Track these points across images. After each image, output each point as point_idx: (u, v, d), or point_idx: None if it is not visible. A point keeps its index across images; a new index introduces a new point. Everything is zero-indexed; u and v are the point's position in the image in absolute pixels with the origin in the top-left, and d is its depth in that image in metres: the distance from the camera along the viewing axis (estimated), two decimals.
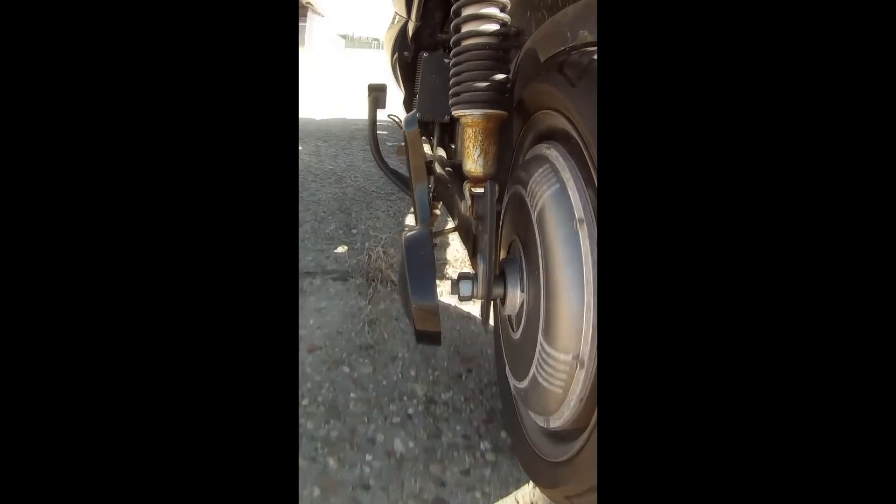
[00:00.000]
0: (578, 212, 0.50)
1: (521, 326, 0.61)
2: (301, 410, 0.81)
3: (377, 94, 1.04)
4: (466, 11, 0.65)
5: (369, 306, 1.13)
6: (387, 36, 1.36)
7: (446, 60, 0.91)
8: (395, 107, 1.28)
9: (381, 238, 1.49)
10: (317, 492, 0.68)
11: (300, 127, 2.99)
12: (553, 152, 0.56)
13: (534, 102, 0.63)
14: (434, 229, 0.81)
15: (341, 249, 1.41)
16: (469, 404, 0.87)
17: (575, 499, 0.52)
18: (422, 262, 0.62)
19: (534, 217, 0.55)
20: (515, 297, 0.61)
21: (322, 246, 1.43)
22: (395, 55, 1.13)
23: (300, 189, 1.90)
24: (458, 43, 0.68)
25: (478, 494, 0.70)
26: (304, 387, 0.87)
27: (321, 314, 1.09)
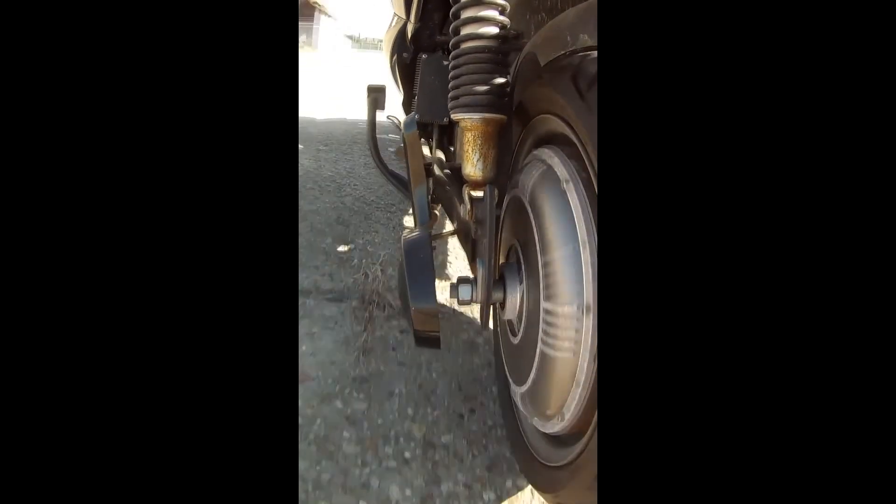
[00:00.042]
0: (578, 216, 0.49)
1: (521, 330, 0.60)
2: None
3: (376, 96, 1.03)
4: (465, 14, 0.65)
5: (365, 333, 1.06)
6: (386, 37, 1.36)
7: (445, 62, 0.91)
8: (394, 108, 1.28)
9: (380, 255, 1.41)
10: None
11: (301, 129, 2.94)
12: (552, 156, 0.56)
13: (533, 106, 0.63)
14: (433, 232, 0.80)
15: (337, 267, 1.33)
16: (472, 449, 0.80)
17: (577, 502, 0.52)
18: (421, 264, 0.62)
19: (533, 221, 0.55)
20: (515, 301, 0.61)
21: (317, 262, 1.35)
22: (394, 56, 1.13)
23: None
24: (457, 45, 0.67)
25: None
26: None
27: (314, 340, 1.03)
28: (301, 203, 1.76)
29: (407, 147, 0.78)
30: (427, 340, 0.64)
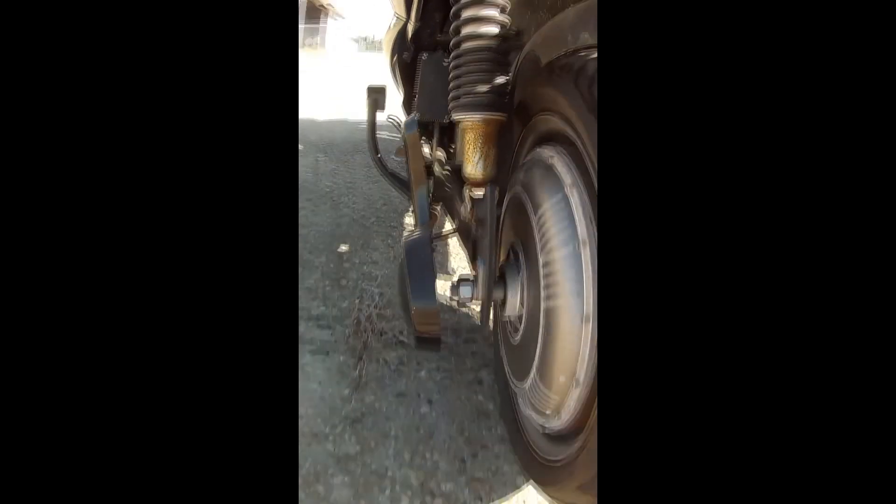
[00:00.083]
0: (578, 215, 0.49)
1: (522, 329, 0.60)
2: None
3: (376, 97, 1.03)
4: (466, 13, 0.65)
5: (360, 364, 0.94)
6: (386, 37, 1.36)
7: (445, 62, 0.91)
8: (395, 109, 1.27)
9: (376, 293, 1.20)
10: None
11: (301, 136, 2.83)
12: (553, 155, 0.55)
13: (534, 105, 0.63)
14: (434, 232, 0.80)
15: (331, 289, 1.20)
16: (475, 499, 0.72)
17: (575, 499, 0.52)
18: (421, 264, 0.62)
19: (534, 220, 0.55)
20: (515, 300, 0.61)
21: (304, 301, 1.18)
22: (395, 56, 1.13)
23: None
24: (457, 45, 0.67)
25: None
26: None
27: (303, 371, 0.94)
28: None
29: (407, 147, 0.78)
30: (427, 341, 0.64)
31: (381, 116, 1.11)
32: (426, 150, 0.95)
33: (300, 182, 2.01)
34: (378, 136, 1.11)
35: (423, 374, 0.97)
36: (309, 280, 1.28)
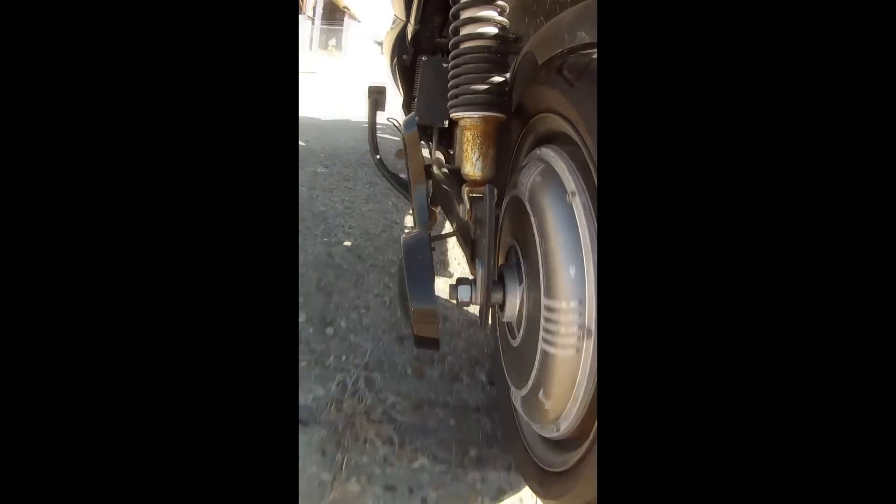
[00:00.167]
0: (579, 215, 0.49)
1: (521, 332, 0.60)
2: None
3: (377, 97, 1.04)
4: (465, 14, 0.65)
5: (334, 485, 0.72)
6: (386, 39, 1.36)
7: (445, 64, 0.91)
8: (395, 110, 1.27)
9: (366, 351, 0.98)
10: None
11: (303, 143, 2.60)
12: (553, 155, 0.55)
13: (533, 105, 0.63)
14: (432, 233, 0.80)
15: (306, 364, 0.94)
16: None
17: None
18: (420, 265, 0.62)
19: (533, 221, 0.54)
20: (514, 302, 0.61)
21: None
22: (394, 58, 1.13)
23: None
24: (456, 45, 0.67)
25: None
26: None
27: None
28: None
29: (407, 148, 0.78)
30: (426, 342, 0.64)
31: (381, 118, 1.11)
32: (425, 152, 0.95)
33: None
34: (380, 137, 1.11)
35: (416, 464, 0.77)
36: None
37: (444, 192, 0.88)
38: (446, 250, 1.49)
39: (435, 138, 0.98)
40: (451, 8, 0.68)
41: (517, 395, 0.62)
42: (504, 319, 0.65)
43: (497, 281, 0.62)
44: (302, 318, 1.09)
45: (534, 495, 0.68)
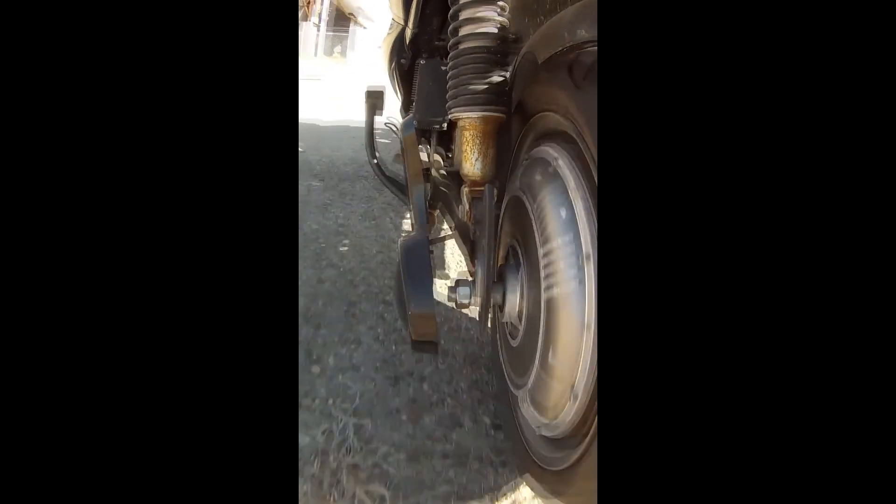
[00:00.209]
0: (579, 214, 0.49)
1: (521, 332, 0.60)
2: None
3: (374, 100, 1.04)
4: (464, 14, 0.65)
5: None
6: (384, 42, 1.37)
7: (443, 67, 0.91)
8: (393, 112, 1.27)
9: (356, 394, 0.86)
10: None
11: (301, 154, 2.47)
12: (553, 154, 0.55)
13: (533, 104, 0.63)
14: (431, 235, 0.80)
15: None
16: None
17: None
18: (419, 267, 0.62)
19: (534, 221, 0.54)
20: (514, 302, 0.60)
21: None
22: (393, 61, 1.14)
23: None
24: (455, 46, 0.68)
25: None
26: None
27: None
28: None
29: (405, 150, 0.78)
30: (424, 346, 0.63)
31: (378, 122, 1.11)
32: (424, 154, 0.95)
33: None
34: (379, 141, 1.10)
35: None
36: None
37: (442, 193, 0.88)
38: (443, 253, 1.47)
39: (433, 140, 0.98)
40: (449, 11, 0.68)
41: (516, 395, 0.62)
42: (504, 319, 0.65)
43: (497, 281, 0.62)
44: None
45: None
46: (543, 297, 0.51)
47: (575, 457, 0.51)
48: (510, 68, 0.67)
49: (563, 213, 0.50)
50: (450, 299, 0.65)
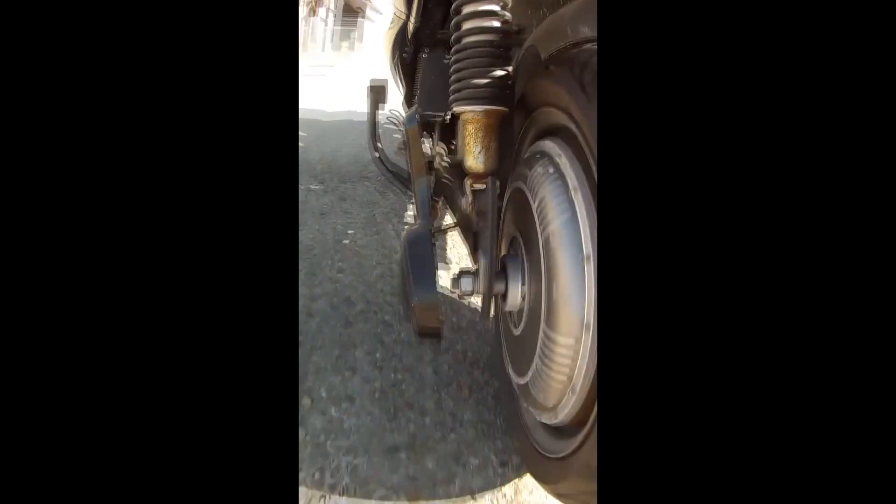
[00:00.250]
0: (580, 207, 0.50)
1: (523, 322, 0.61)
2: None
3: (377, 93, 1.04)
4: (467, 8, 0.66)
5: None
6: (386, 35, 1.37)
7: (445, 60, 0.91)
8: (396, 105, 1.26)
9: (350, 430, 0.77)
10: None
11: (301, 152, 2.27)
12: (554, 148, 0.56)
13: (535, 99, 0.64)
14: (434, 227, 0.81)
15: None
16: None
17: (576, 494, 0.52)
18: (422, 258, 0.63)
19: (535, 213, 0.55)
20: (517, 292, 0.61)
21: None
22: (395, 54, 1.14)
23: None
24: (458, 40, 0.68)
25: None
26: None
27: None
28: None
29: (408, 142, 0.78)
30: (429, 334, 0.64)
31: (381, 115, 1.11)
32: (426, 146, 0.96)
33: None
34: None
35: None
36: None
37: (445, 184, 0.88)
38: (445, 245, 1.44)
39: (436, 133, 0.98)
40: (451, 3, 0.69)
41: (518, 383, 0.63)
42: (506, 309, 0.66)
43: (499, 271, 0.63)
44: None
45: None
46: (544, 288, 0.52)
47: (575, 445, 0.52)
48: (513, 62, 0.67)
49: (564, 209, 0.51)
50: (453, 289, 0.66)
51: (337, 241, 1.40)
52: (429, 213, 0.76)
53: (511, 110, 0.68)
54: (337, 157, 2.25)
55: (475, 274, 0.65)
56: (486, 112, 0.66)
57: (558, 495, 0.57)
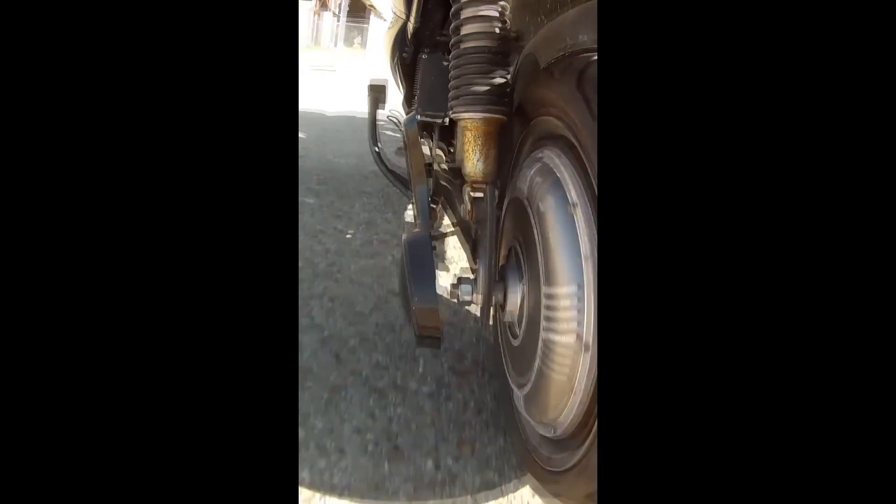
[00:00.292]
0: (578, 216, 0.50)
1: (522, 332, 0.61)
2: None
3: (377, 94, 1.04)
4: (466, 13, 0.65)
5: None
6: (386, 36, 1.36)
7: (445, 62, 0.91)
8: (395, 105, 1.25)
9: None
10: None
11: (301, 160, 2.14)
12: (553, 157, 0.56)
13: (533, 107, 0.63)
14: (434, 231, 0.81)
15: None
16: None
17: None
18: (422, 263, 0.62)
19: (533, 221, 0.55)
20: (515, 302, 0.61)
21: None
22: (395, 56, 1.13)
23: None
24: (457, 45, 0.67)
25: None
26: None
27: None
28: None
29: (408, 145, 0.78)
30: (428, 340, 0.64)
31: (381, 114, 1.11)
32: (426, 148, 0.96)
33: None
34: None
35: None
36: None
37: (444, 187, 0.88)
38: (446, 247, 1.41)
39: (436, 135, 0.98)
40: (451, 5, 0.68)
41: (518, 394, 0.62)
42: (505, 319, 0.65)
43: (498, 280, 0.63)
44: None
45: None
46: (543, 296, 0.52)
47: (575, 458, 0.52)
48: (512, 68, 0.67)
49: (563, 217, 0.51)
50: (452, 297, 0.65)
51: (328, 272, 1.22)
52: (428, 217, 0.76)
53: (510, 118, 0.68)
54: (335, 167, 2.10)
55: (474, 282, 0.64)
56: (486, 119, 0.65)
57: None
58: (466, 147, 0.68)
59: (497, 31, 0.65)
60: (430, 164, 0.93)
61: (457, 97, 0.67)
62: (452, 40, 0.68)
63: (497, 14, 0.64)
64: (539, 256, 0.53)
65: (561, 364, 0.50)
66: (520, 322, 0.61)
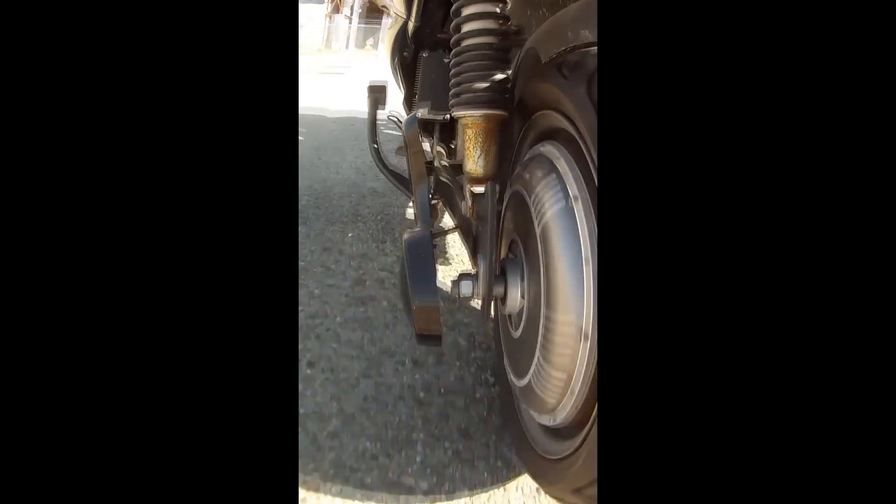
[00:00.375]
0: (579, 211, 0.50)
1: (522, 325, 0.61)
2: None
3: (377, 95, 1.04)
4: (466, 11, 0.65)
5: None
6: (386, 36, 1.36)
7: (445, 60, 0.91)
8: (396, 106, 1.25)
9: None
10: None
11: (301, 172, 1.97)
12: (554, 152, 0.56)
13: (534, 102, 0.64)
14: (434, 230, 0.81)
15: None
16: None
17: (575, 494, 0.52)
18: (422, 262, 0.63)
19: (534, 217, 0.55)
20: (516, 295, 0.61)
21: None
22: (395, 55, 1.13)
23: None
24: (458, 43, 0.68)
25: None
26: None
27: None
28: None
29: (408, 145, 0.78)
30: (428, 339, 0.65)
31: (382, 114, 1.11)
32: (427, 146, 0.96)
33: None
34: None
35: None
36: None
37: (445, 185, 0.88)
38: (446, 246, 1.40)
39: (436, 134, 0.98)
40: (451, 4, 0.68)
41: (517, 385, 0.63)
42: (505, 312, 0.66)
43: (499, 275, 0.63)
44: None
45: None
46: (543, 289, 0.52)
47: (573, 446, 0.52)
48: (512, 64, 0.67)
49: (563, 212, 0.51)
50: (453, 293, 0.66)
51: (309, 326, 1.00)
52: (429, 218, 0.76)
53: (511, 114, 0.68)
54: (330, 187, 1.88)
55: (475, 277, 0.65)
56: (486, 116, 0.66)
57: (556, 497, 0.57)
58: (467, 144, 0.68)
59: (498, 27, 0.65)
60: (431, 163, 0.93)
61: (457, 95, 0.67)
62: (453, 38, 0.69)
63: (498, 11, 0.65)
64: (539, 249, 0.53)
65: (561, 354, 0.51)
66: (520, 314, 0.61)
